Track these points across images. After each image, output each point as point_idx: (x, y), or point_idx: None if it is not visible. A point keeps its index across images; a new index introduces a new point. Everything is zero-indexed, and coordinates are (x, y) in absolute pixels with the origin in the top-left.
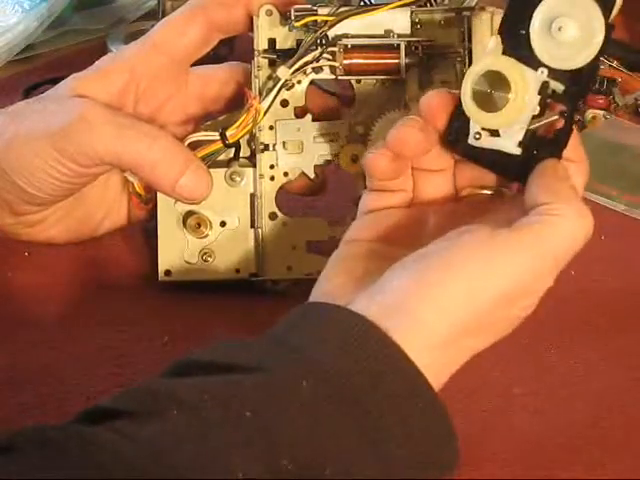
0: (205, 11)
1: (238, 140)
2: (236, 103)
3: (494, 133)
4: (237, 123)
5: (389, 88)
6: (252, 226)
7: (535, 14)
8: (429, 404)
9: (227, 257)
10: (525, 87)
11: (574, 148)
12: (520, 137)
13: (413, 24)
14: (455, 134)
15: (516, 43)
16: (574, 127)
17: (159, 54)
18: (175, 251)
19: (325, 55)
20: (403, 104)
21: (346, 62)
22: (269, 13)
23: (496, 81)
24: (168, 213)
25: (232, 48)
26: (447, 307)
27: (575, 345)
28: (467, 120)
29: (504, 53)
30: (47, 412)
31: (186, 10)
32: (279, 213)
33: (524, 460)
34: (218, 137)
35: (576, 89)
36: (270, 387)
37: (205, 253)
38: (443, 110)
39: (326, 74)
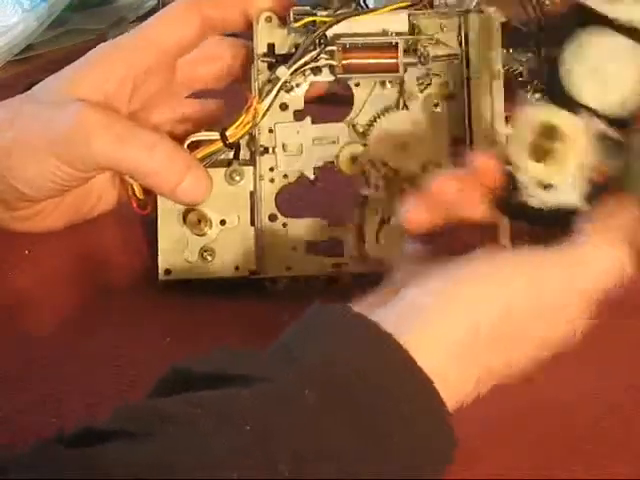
0: (200, 8)
1: (238, 140)
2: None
3: (549, 188)
4: (237, 123)
5: (387, 89)
6: (252, 224)
7: (572, 60)
8: (434, 412)
9: (227, 255)
10: (578, 134)
11: None
12: (578, 187)
13: (411, 27)
14: (506, 195)
15: (555, 95)
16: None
17: (153, 47)
18: (175, 250)
19: (324, 55)
20: (402, 105)
21: (345, 61)
22: (268, 19)
23: (546, 132)
24: (168, 212)
25: None
26: (460, 309)
27: (575, 345)
28: (516, 181)
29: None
30: (46, 412)
31: (181, 5)
32: (279, 215)
33: (524, 460)
34: (218, 137)
35: (618, 124)
36: (270, 396)
37: (205, 251)
38: (494, 171)
39: (325, 76)
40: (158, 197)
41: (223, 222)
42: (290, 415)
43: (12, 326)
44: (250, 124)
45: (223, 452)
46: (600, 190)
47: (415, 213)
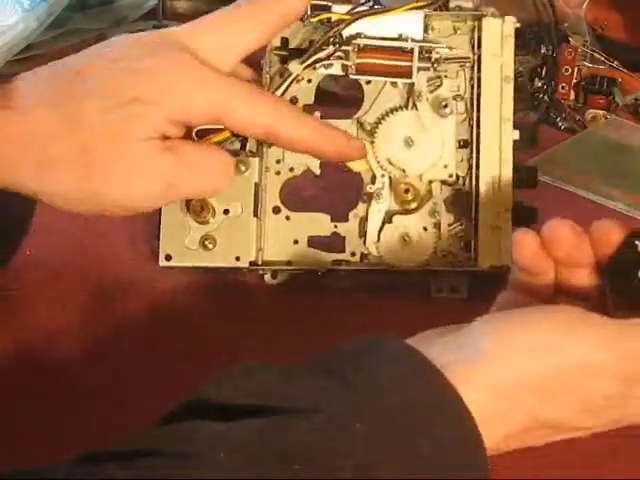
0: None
1: None
2: None
3: None
4: None
5: (397, 88)
6: (255, 215)
7: None
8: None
9: (228, 244)
10: None
11: None
12: None
13: (425, 28)
14: (620, 270)
15: None
16: None
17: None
18: (177, 237)
19: (338, 53)
20: (412, 105)
21: (358, 61)
22: None
23: None
24: None
25: None
26: (514, 356)
27: None
28: (636, 255)
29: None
30: (44, 413)
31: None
32: (283, 207)
33: (524, 461)
34: None
35: None
36: (322, 429)
37: (206, 239)
38: (611, 238)
39: (336, 69)
40: None
41: (226, 211)
42: (341, 450)
43: (11, 325)
44: None
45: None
46: None
47: (528, 242)
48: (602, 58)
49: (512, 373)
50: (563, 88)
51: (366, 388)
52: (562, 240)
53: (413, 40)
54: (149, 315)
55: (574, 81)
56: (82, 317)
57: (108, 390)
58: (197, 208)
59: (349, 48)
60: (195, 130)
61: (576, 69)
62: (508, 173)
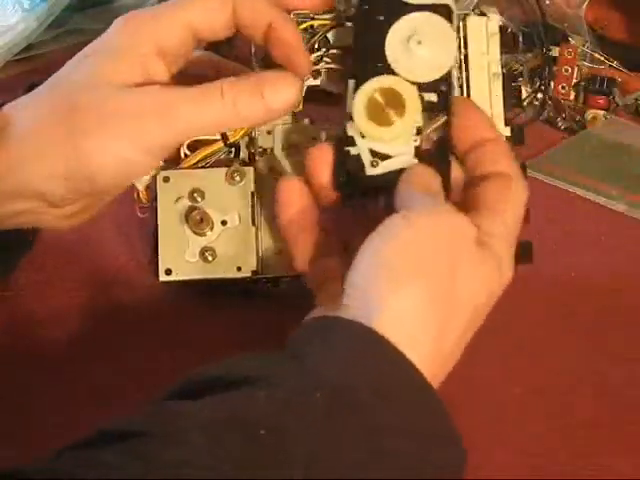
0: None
1: (238, 140)
2: None
3: (385, 157)
4: None
5: None
6: (253, 224)
7: (391, 38)
8: (431, 406)
9: (228, 255)
10: (416, 100)
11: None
12: (413, 149)
13: None
14: (346, 174)
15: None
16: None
17: (180, 24)
18: (176, 250)
19: (325, 59)
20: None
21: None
22: None
23: (384, 97)
24: (169, 212)
25: (232, 46)
26: (412, 288)
27: (575, 346)
28: (355, 158)
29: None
30: (44, 413)
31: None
32: None
33: (524, 461)
34: (219, 137)
35: (446, 92)
36: (284, 401)
37: (206, 252)
38: (326, 160)
39: (323, 80)
40: (158, 198)
41: (224, 222)
42: (302, 418)
43: (10, 326)
44: None
45: (237, 454)
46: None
47: (295, 184)
48: (602, 58)
49: (421, 305)
50: (563, 88)
51: (324, 365)
52: (327, 160)
53: None
54: (149, 315)
55: (574, 81)
56: (82, 317)
57: (109, 389)
58: (196, 219)
59: (335, 52)
60: (186, 143)
61: (576, 69)
62: None
